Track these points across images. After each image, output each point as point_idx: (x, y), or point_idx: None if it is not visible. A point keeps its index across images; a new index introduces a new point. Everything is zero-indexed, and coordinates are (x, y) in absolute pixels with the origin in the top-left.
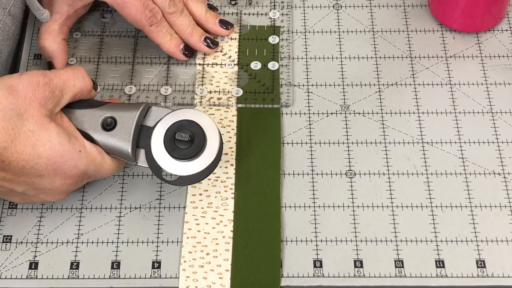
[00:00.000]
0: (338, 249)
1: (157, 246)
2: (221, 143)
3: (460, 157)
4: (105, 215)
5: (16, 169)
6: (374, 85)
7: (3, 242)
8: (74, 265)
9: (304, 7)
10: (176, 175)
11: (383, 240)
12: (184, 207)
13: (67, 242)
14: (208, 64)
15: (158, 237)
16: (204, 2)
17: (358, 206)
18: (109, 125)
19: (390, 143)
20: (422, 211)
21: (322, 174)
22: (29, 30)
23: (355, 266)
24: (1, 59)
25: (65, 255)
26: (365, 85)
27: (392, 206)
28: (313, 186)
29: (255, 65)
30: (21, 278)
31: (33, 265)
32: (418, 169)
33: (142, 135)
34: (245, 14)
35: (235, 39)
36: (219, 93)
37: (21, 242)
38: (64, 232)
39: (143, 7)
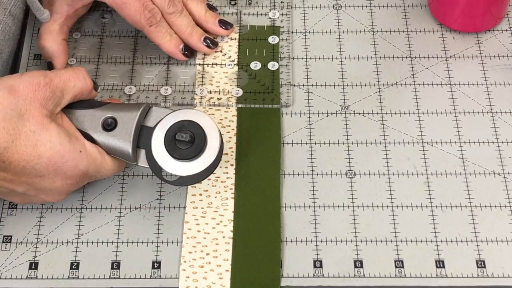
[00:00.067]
0: (338, 249)
1: (157, 246)
2: (222, 144)
3: (460, 157)
4: (105, 215)
5: (16, 169)
6: (374, 85)
7: (3, 242)
8: (74, 265)
9: (304, 7)
10: (176, 175)
11: (383, 240)
12: (184, 207)
13: (67, 242)
14: (208, 64)
15: (158, 237)
16: (203, 2)
17: (358, 206)
18: (109, 126)
19: (390, 143)
20: (422, 211)
21: (322, 174)
22: (29, 30)
23: (355, 266)
24: (2, 60)
25: (65, 255)
26: (365, 85)
27: (392, 206)
28: (313, 186)
29: (255, 65)
30: (21, 278)
31: (33, 265)
32: (418, 169)
33: (142, 136)
34: (245, 14)
35: (235, 39)
36: (219, 93)
37: (21, 242)
38: (64, 232)
39: (143, 8)
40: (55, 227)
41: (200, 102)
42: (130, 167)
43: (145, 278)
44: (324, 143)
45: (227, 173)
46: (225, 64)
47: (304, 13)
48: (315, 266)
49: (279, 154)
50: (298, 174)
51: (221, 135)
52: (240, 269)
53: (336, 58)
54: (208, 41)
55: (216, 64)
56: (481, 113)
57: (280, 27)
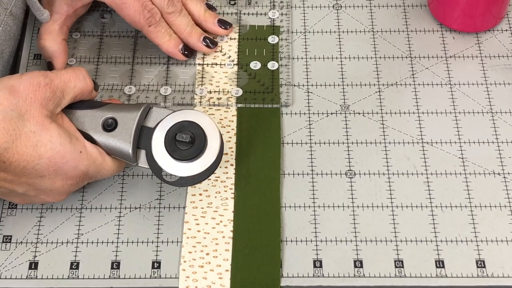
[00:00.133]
0: (338, 249)
1: (157, 246)
2: (222, 144)
3: (460, 157)
4: (105, 215)
5: (17, 170)
6: (374, 85)
7: (3, 242)
8: (74, 265)
9: (304, 7)
10: (176, 176)
11: (383, 240)
12: (184, 207)
13: (67, 242)
14: (207, 64)
15: (158, 237)
16: (203, 1)
17: (358, 206)
18: (109, 126)
19: (390, 143)
20: (422, 211)
21: (322, 174)
22: (29, 30)
23: (355, 266)
24: (3, 60)
25: (65, 255)
26: (365, 85)
27: (392, 206)
28: (313, 186)
29: (255, 65)
30: (21, 278)
31: (33, 265)
32: (418, 169)
33: (142, 136)
34: (244, 14)
35: (235, 39)
36: (219, 93)
37: (21, 242)
38: (64, 232)
39: (142, 8)
40: (55, 227)
41: (200, 102)
42: (130, 167)
43: (145, 278)
44: (324, 143)
45: (227, 173)
46: (225, 64)
47: (304, 13)
48: (315, 266)
49: (279, 154)
50: (298, 174)
51: (221, 135)
52: (240, 269)
53: (336, 58)
54: (208, 40)
55: (216, 64)
56: (481, 113)
57: (279, 27)
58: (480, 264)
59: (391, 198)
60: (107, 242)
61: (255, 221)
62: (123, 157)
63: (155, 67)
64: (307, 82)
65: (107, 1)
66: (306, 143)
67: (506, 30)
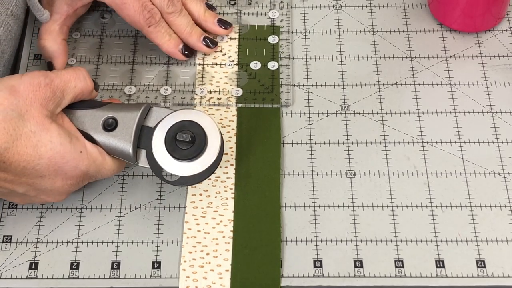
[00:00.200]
0: (338, 249)
1: (157, 246)
2: (222, 144)
3: (460, 157)
4: (105, 215)
5: (17, 170)
6: (374, 85)
7: (3, 242)
8: (74, 265)
9: (304, 7)
10: (177, 175)
11: (383, 240)
12: (184, 207)
13: (67, 242)
14: (208, 64)
15: (158, 237)
16: (202, 1)
17: (358, 206)
18: (110, 126)
19: (390, 143)
20: (422, 211)
21: (322, 174)
22: (29, 30)
23: (355, 266)
24: (4, 60)
25: (65, 255)
26: (365, 85)
27: (392, 206)
28: (313, 186)
29: (255, 65)
30: (21, 278)
31: (33, 265)
32: (418, 169)
33: (143, 136)
34: (244, 14)
35: (235, 39)
36: (219, 93)
37: (21, 242)
38: (64, 232)
39: (142, 8)
40: (55, 227)
41: (200, 102)
42: (130, 167)
43: (145, 278)
44: (324, 143)
45: (227, 173)
46: (225, 64)
47: (304, 13)
48: (315, 266)
49: (279, 154)
50: (298, 174)
51: (221, 135)
52: (240, 269)
53: (336, 58)
54: (208, 40)
55: (216, 64)
56: (481, 113)
57: (280, 26)
58: (480, 264)
59: (391, 198)
60: (107, 242)
61: (255, 221)
62: (123, 157)
63: (155, 67)
64: (307, 82)
65: (107, 1)
66: (306, 143)
67: (506, 30)
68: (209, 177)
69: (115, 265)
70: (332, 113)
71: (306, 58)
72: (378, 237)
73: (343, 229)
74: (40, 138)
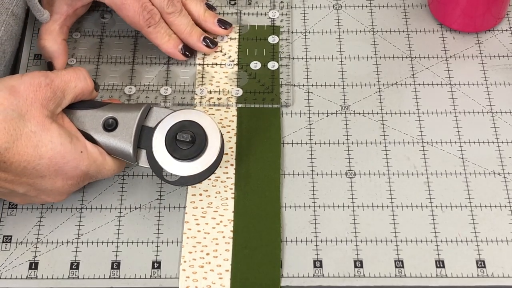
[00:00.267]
0: (338, 249)
1: (157, 246)
2: (222, 144)
3: (460, 157)
4: (105, 215)
5: (17, 170)
6: (374, 85)
7: (3, 242)
8: (74, 265)
9: (304, 7)
10: (177, 175)
11: (383, 240)
12: (184, 207)
13: (67, 242)
14: (208, 64)
15: (158, 237)
16: (202, 1)
17: (358, 206)
18: (110, 126)
19: (390, 143)
20: (422, 211)
21: (322, 174)
22: (29, 30)
23: (355, 266)
24: (5, 60)
25: (65, 255)
26: (365, 85)
27: (392, 206)
28: (313, 186)
29: (255, 65)
30: (21, 278)
31: (33, 265)
32: (418, 169)
33: (143, 136)
34: (244, 14)
35: (235, 39)
36: (219, 93)
37: (21, 242)
38: (64, 232)
39: (141, 9)
40: (55, 227)
41: (200, 102)
42: (130, 167)
43: (145, 278)
44: (324, 143)
45: (227, 173)
46: (225, 64)
47: (304, 13)
48: (315, 266)
49: (279, 154)
50: (298, 174)
51: (221, 135)
52: (240, 269)
53: (336, 58)
54: (208, 40)
55: (216, 64)
56: (481, 113)
57: (280, 27)
58: (480, 264)
59: (391, 198)
60: (107, 242)
61: (255, 221)
62: (123, 157)
63: (155, 67)
64: (307, 82)
65: (107, 2)
66: (306, 143)
67: (506, 30)
68: (209, 177)
69: (115, 265)
70: (332, 113)
71: (306, 58)
72: (378, 237)
73: (343, 229)
74: (41, 138)
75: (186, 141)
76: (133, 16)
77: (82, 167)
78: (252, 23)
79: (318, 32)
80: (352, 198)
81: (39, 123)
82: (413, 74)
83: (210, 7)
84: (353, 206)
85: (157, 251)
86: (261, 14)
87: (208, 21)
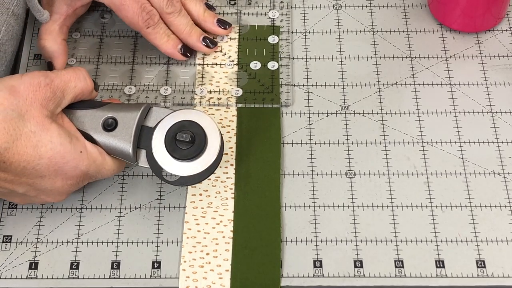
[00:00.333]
0: (338, 249)
1: (157, 246)
2: (222, 144)
3: (460, 157)
4: (105, 215)
5: (17, 170)
6: (374, 85)
7: (3, 242)
8: (74, 265)
9: (304, 7)
10: (177, 175)
11: (383, 240)
12: (184, 207)
13: (67, 242)
14: (207, 64)
15: (158, 237)
16: (202, 1)
17: (358, 206)
18: (110, 126)
19: (390, 143)
20: (422, 211)
21: (322, 174)
22: (29, 30)
23: (355, 266)
24: (6, 60)
25: (65, 255)
26: (365, 85)
27: (392, 206)
28: (313, 186)
29: (255, 65)
30: (21, 278)
31: (33, 265)
32: (418, 169)
33: (143, 136)
34: (244, 14)
35: (235, 39)
36: (219, 93)
37: (21, 242)
38: (64, 232)
39: (140, 10)
40: (55, 227)
41: (200, 102)
42: (130, 167)
43: (145, 278)
44: (324, 143)
45: (227, 173)
46: (225, 64)
47: (304, 13)
48: (315, 266)
49: (279, 154)
50: (298, 174)
51: (221, 135)
52: (240, 269)
53: (336, 58)
54: (208, 40)
55: (216, 64)
56: (481, 113)
57: (279, 27)
58: (480, 264)
59: (391, 198)
60: (107, 242)
61: (255, 221)
62: (123, 157)
63: (155, 67)
64: (307, 82)
65: (106, 2)
66: (306, 143)
67: (506, 30)
68: (209, 177)
69: (115, 265)
70: (332, 113)
71: (306, 58)
72: (378, 237)
73: (343, 229)
74: (40, 138)
75: (186, 141)
76: (132, 16)
77: (81, 167)
78: (252, 23)
79: (318, 32)
80: (352, 198)
81: (38, 123)
82: (413, 74)
83: (209, 7)
84: (353, 206)
85: (157, 251)
86: (261, 14)
87: (208, 21)
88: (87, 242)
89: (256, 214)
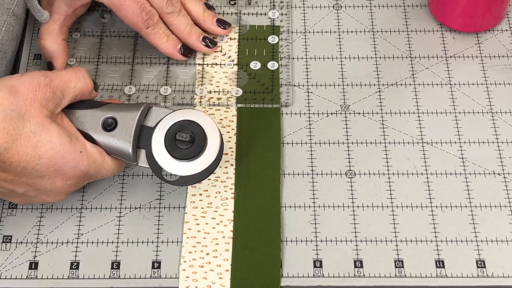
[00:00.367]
0: (338, 249)
1: (157, 246)
2: (222, 143)
3: (460, 157)
4: (105, 215)
5: (17, 170)
6: (374, 85)
7: (3, 242)
8: (74, 265)
9: (304, 7)
10: (177, 175)
11: (383, 240)
12: (184, 207)
13: (67, 242)
14: (207, 64)
15: (158, 237)
16: (201, 1)
17: (358, 206)
18: (109, 126)
19: (390, 143)
20: (422, 211)
21: (322, 174)
22: (29, 30)
23: (355, 266)
24: (6, 60)
25: (65, 255)
26: (365, 85)
27: (392, 206)
28: (313, 186)
29: (255, 65)
30: (21, 278)
31: (33, 265)
32: (418, 169)
33: (142, 136)
34: (244, 14)
35: (235, 39)
36: (219, 93)
37: (21, 242)
38: (64, 232)
39: (140, 10)
40: (55, 227)
41: (200, 102)
42: (130, 167)
43: (145, 278)
44: (324, 143)
45: (227, 173)
46: (224, 64)
47: (304, 13)
48: (315, 266)
49: (279, 154)
50: (298, 174)
51: (221, 135)
52: (240, 269)
53: (336, 58)
54: (207, 40)
55: (216, 64)
56: (481, 113)
57: (279, 26)
58: (480, 264)
59: (391, 198)
60: (107, 242)
61: (255, 221)
62: (123, 157)
63: (155, 67)
64: (307, 82)
65: (105, 2)
66: (306, 143)
67: (506, 30)
68: (209, 177)
69: (115, 265)
70: (332, 113)
71: (306, 58)
72: (378, 237)
73: (343, 229)
74: (40, 138)
75: (186, 141)
76: (132, 17)
77: (81, 167)
78: (252, 23)
79: (318, 32)
80: (352, 198)
81: (38, 123)
82: (413, 74)
83: (209, 7)
84: (353, 206)
85: (157, 251)
86: (260, 14)
87: (207, 21)
88: (87, 242)
89: (256, 214)
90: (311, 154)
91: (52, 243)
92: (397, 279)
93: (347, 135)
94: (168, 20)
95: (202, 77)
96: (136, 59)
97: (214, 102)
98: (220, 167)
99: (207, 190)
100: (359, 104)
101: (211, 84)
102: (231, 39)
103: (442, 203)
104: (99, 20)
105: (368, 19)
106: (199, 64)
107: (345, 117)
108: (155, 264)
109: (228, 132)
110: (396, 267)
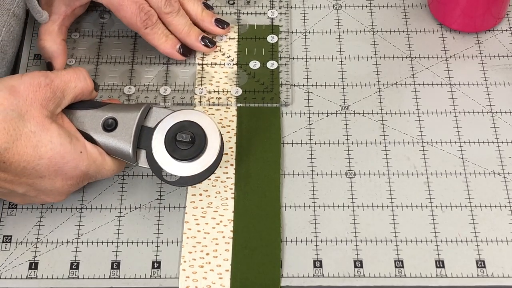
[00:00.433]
0: (338, 249)
1: (157, 246)
2: (222, 144)
3: (460, 157)
4: (105, 215)
5: (17, 170)
6: (374, 85)
7: (3, 242)
8: (74, 265)
9: (303, 7)
10: (177, 175)
11: (383, 240)
12: (184, 207)
13: (67, 242)
14: (207, 64)
15: (158, 237)
16: (200, 1)
17: (358, 206)
18: (110, 126)
19: (390, 143)
20: (422, 211)
21: (322, 174)
22: (29, 30)
23: (355, 266)
24: (6, 60)
25: (65, 255)
26: (365, 85)
27: (392, 206)
28: (313, 186)
29: (254, 65)
30: (21, 278)
31: (33, 265)
32: (418, 169)
33: (143, 136)
34: (243, 13)
35: (234, 38)
36: (219, 93)
37: (21, 242)
38: (64, 232)
39: (138, 10)
40: (55, 227)
41: (200, 101)
42: (130, 167)
43: (145, 278)
44: (324, 143)
45: (227, 173)
46: (224, 64)
47: (304, 13)
48: (315, 266)
49: (279, 154)
50: (298, 174)
51: (221, 135)
52: (240, 269)
53: (336, 58)
54: (206, 40)
55: (216, 64)
56: (481, 113)
57: (279, 26)
58: (480, 264)
59: (391, 198)
60: (107, 242)
61: (255, 221)
62: (123, 157)
63: (154, 67)
64: (307, 82)
65: (104, 2)
66: (306, 143)
67: (506, 30)
68: (209, 177)
69: (115, 265)
70: (332, 113)
71: (306, 58)
72: (378, 237)
73: (343, 229)
74: (40, 139)
75: (186, 142)
76: (130, 17)
77: (81, 167)
78: (251, 22)
79: (318, 32)
80: (352, 198)
81: (38, 123)
82: (413, 74)
83: (207, 6)
84: (353, 206)
85: (157, 251)
86: (260, 13)
87: (206, 20)
88: (87, 242)
89: (256, 214)
90: (311, 154)
91: (52, 243)
92: (397, 279)
93: (347, 135)
94: (166, 20)
95: (202, 77)
96: (135, 59)
97: (214, 102)
98: (220, 167)
99: (207, 190)
100: (359, 104)
101: (211, 84)
102: (230, 38)
103: (442, 203)
104: (98, 20)
105: (368, 19)
106: (198, 64)
107: (345, 117)
108: (155, 264)
109: (228, 132)
110: (396, 267)
